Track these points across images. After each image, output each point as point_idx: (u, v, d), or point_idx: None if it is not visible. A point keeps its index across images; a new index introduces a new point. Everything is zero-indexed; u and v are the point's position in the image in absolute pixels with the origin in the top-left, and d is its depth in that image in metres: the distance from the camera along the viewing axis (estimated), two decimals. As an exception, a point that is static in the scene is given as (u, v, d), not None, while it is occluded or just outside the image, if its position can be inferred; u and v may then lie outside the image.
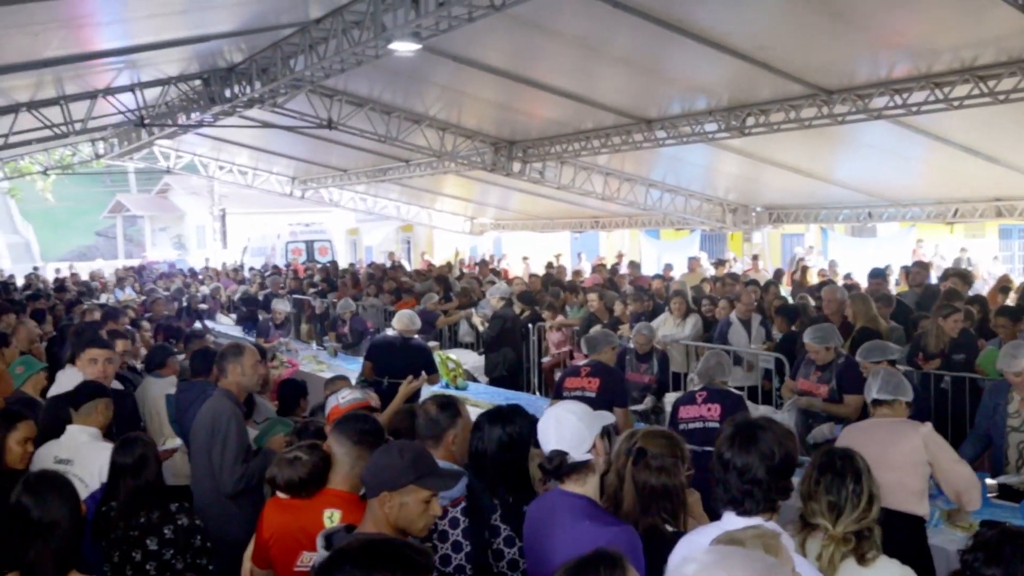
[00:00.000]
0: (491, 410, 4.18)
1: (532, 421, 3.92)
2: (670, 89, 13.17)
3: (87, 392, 5.46)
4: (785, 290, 15.50)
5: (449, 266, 23.17)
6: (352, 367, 11.69)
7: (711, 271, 18.84)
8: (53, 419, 5.97)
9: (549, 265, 21.81)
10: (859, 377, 6.52)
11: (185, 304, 18.70)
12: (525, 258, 26.73)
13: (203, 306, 18.12)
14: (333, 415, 4.68)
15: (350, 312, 14.03)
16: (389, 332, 10.15)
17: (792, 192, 18.24)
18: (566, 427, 3.47)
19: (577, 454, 3.45)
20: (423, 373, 7.54)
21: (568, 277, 19.57)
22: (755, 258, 20.37)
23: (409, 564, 2.29)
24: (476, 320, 13.65)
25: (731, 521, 3.19)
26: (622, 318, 12.01)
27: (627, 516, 3.69)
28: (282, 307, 13.35)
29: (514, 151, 17.50)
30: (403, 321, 9.33)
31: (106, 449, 5.06)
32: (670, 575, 2.59)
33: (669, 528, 3.70)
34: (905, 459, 4.95)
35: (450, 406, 4.29)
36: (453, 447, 4.18)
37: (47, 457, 5.17)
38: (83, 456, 4.98)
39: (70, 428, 5.27)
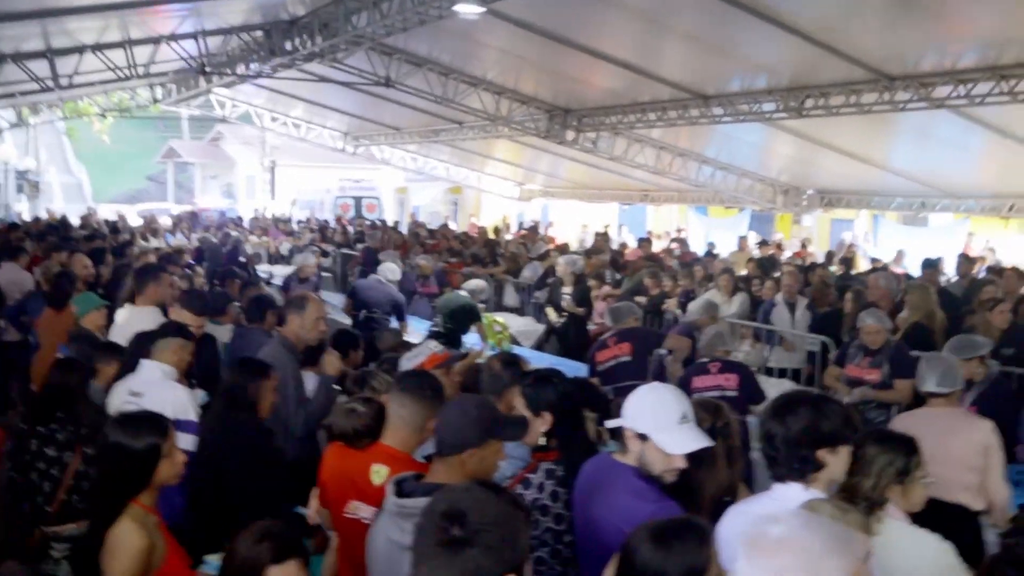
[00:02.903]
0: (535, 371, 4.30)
1: (579, 383, 4.02)
2: (731, 66, 13.10)
3: (166, 331, 5.67)
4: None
5: (496, 230, 23.23)
6: (411, 323, 11.92)
7: (758, 251, 18.77)
8: (134, 356, 6.19)
9: (604, 236, 21.80)
10: (910, 362, 6.53)
11: (232, 251, 18.92)
12: (584, 226, 26.70)
13: (255, 252, 18.35)
14: (433, 361, 4.89)
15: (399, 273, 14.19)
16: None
17: (846, 177, 18.08)
18: (635, 396, 3.55)
19: (625, 422, 3.52)
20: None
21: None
22: (804, 244, 20.22)
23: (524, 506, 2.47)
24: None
25: (777, 490, 3.26)
26: (671, 293, 12.06)
27: (718, 490, 3.76)
28: (309, 260, 13.47)
29: (568, 119, 17.49)
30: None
31: (175, 388, 5.26)
32: (721, 544, 2.64)
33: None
34: (962, 452, 4.95)
35: (513, 364, 4.40)
36: (514, 403, 4.30)
37: (123, 389, 5.39)
38: (152, 391, 5.16)
39: (144, 363, 5.46)
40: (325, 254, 19.68)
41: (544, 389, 4.05)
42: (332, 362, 5.58)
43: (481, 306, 11.37)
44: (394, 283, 11.45)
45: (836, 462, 3.25)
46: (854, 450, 3.38)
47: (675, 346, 7.44)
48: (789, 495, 3.16)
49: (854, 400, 7.38)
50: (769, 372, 10.50)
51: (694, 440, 3.41)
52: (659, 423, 3.42)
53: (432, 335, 9.92)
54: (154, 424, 3.64)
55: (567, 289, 12.07)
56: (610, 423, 3.63)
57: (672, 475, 3.41)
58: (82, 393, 5.49)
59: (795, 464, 3.20)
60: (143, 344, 5.64)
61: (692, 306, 11.44)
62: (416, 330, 11.26)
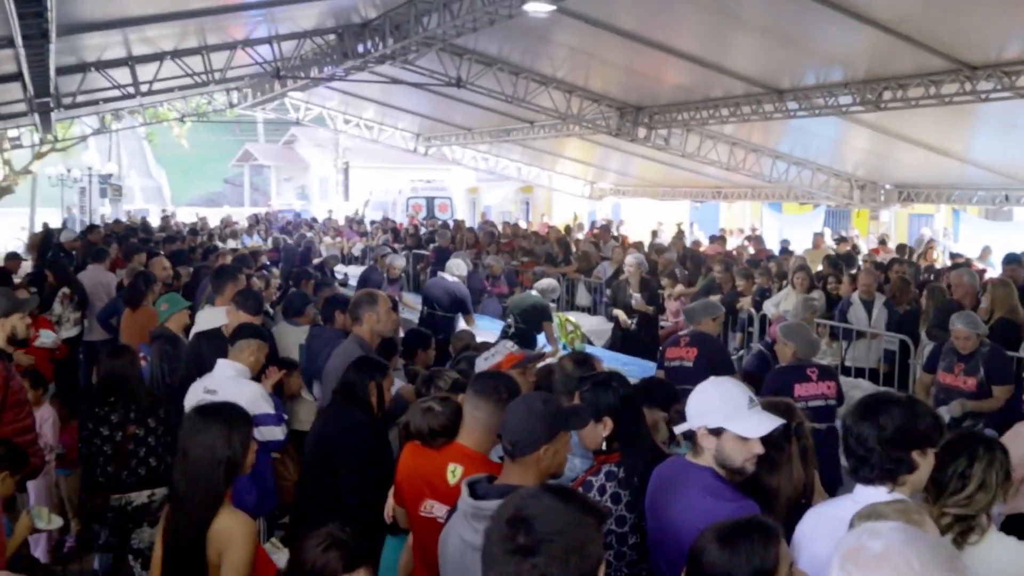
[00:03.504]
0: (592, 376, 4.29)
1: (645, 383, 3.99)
2: (805, 59, 12.90)
3: (243, 332, 5.79)
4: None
5: (568, 229, 23.20)
6: (481, 321, 12.00)
7: (835, 247, 18.44)
8: (196, 354, 6.33)
9: (680, 234, 21.64)
10: (1008, 366, 6.34)
11: (304, 252, 19.16)
12: (659, 224, 26.57)
13: (331, 253, 18.58)
14: (510, 361, 4.92)
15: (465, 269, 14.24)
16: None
17: (924, 170, 17.67)
18: (697, 394, 3.52)
19: (689, 424, 3.49)
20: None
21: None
22: (882, 241, 19.83)
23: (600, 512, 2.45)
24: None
25: (860, 493, 3.22)
26: (745, 291, 11.92)
27: (794, 493, 3.71)
28: (399, 263, 13.63)
29: (640, 117, 17.38)
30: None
31: (248, 384, 5.39)
32: (799, 546, 2.61)
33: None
34: None
35: (586, 363, 4.39)
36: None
37: (199, 388, 5.52)
38: (226, 389, 5.27)
39: (220, 362, 5.59)
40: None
41: (603, 393, 4.03)
42: (407, 389, 5.63)
43: (553, 305, 11.37)
44: (460, 279, 11.48)
45: (925, 465, 3.21)
46: (940, 453, 3.33)
47: (782, 350, 7.16)
48: (872, 497, 3.11)
49: (955, 413, 6.91)
50: (845, 372, 10.32)
51: (769, 421, 3.40)
52: (731, 412, 3.39)
53: (505, 335, 9.94)
54: (242, 417, 3.85)
55: (635, 290, 11.87)
56: (679, 428, 3.59)
57: (752, 464, 3.38)
58: (132, 376, 6.02)
59: (888, 465, 3.16)
60: (206, 342, 5.79)
61: (768, 304, 11.30)
62: (486, 329, 11.29)
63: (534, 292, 10.68)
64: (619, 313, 11.73)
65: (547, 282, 11.00)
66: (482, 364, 5.16)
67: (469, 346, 7.27)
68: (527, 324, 10.19)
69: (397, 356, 7.00)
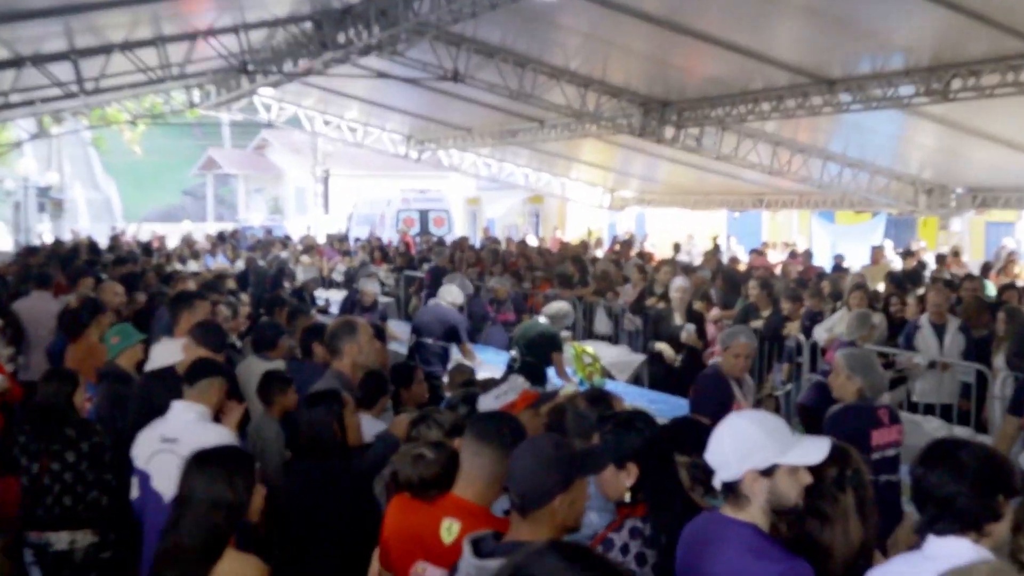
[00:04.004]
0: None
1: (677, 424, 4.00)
2: (859, 44, 12.91)
3: (203, 368, 5.78)
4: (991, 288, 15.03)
5: (585, 245, 23.22)
6: (484, 354, 12.00)
7: (898, 262, 18.42)
8: (146, 396, 6.31)
9: (715, 249, 21.64)
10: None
11: (277, 275, 19.14)
12: (689, 237, 26.58)
13: (309, 276, 18.61)
14: (526, 400, 4.93)
15: (464, 294, 14.21)
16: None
17: (1002, 171, 17.65)
18: (730, 436, 3.49)
19: (731, 471, 3.46)
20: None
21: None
22: (955, 252, 19.78)
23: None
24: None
25: (935, 548, 3.21)
26: (792, 315, 11.89)
27: (849, 551, 3.69)
28: (371, 288, 13.63)
29: (667, 113, 17.42)
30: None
31: (216, 431, 5.37)
32: None
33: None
34: None
35: (603, 401, 4.38)
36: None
37: (152, 437, 5.49)
38: (189, 436, 5.25)
39: (177, 405, 5.57)
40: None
41: (627, 436, 4.02)
42: (400, 423, 5.61)
43: (566, 333, 11.33)
44: (455, 306, 11.51)
45: (1008, 515, 3.24)
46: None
47: (843, 385, 6.99)
48: (952, 552, 3.11)
49: None
50: (912, 408, 10.26)
51: (820, 442, 3.47)
52: (782, 444, 3.43)
53: (510, 369, 9.91)
54: (245, 459, 4.25)
55: (682, 318, 11.67)
56: (719, 478, 3.56)
57: (802, 497, 3.42)
58: (60, 404, 6.28)
59: (973, 512, 3.19)
60: (157, 383, 5.79)
61: (820, 330, 11.26)
62: (491, 363, 11.28)
63: (542, 319, 10.67)
64: (663, 347, 11.44)
65: (558, 307, 10.96)
66: (491, 403, 5.13)
67: (471, 382, 7.25)
68: (535, 356, 10.16)
69: (387, 396, 6.95)
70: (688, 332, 11.34)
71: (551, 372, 10.18)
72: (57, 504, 6.02)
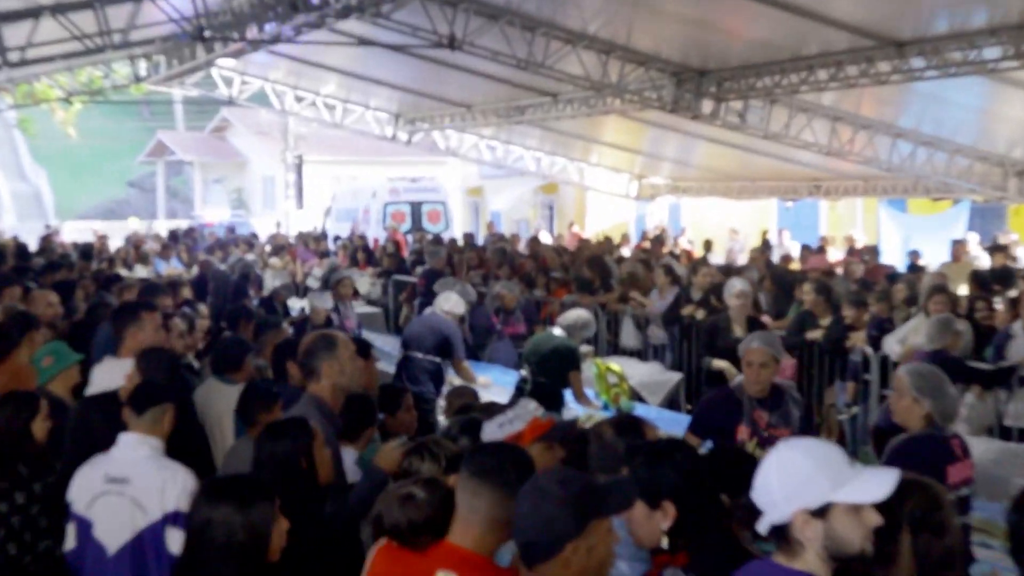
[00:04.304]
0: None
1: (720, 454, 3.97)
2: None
3: (152, 393, 5.78)
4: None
5: (608, 242, 23.20)
6: (489, 374, 12.01)
7: (984, 259, 18.37)
8: (83, 428, 6.31)
9: (764, 245, 21.61)
10: None
11: (242, 281, 19.14)
12: (733, 233, 26.55)
13: (280, 282, 18.62)
14: (536, 430, 4.91)
15: (467, 302, 14.17)
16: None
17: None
18: (776, 469, 3.47)
19: (779, 511, 3.44)
20: None
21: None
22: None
23: None
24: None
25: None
26: (856, 323, 11.87)
27: None
28: (322, 304, 13.61)
29: (705, 84, 17.40)
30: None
31: (171, 468, 5.37)
32: None
33: None
34: None
35: (634, 429, 4.36)
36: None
37: (94, 477, 5.47)
38: (142, 476, 5.27)
39: (125, 438, 5.56)
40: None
41: (662, 469, 4.01)
42: (388, 455, 5.61)
43: (587, 348, 11.31)
44: (454, 317, 11.57)
45: None
46: None
47: (908, 408, 6.91)
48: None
49: None
50: (1006, 434, 10.23)
51: (883, 474, 3.40)
52: (836, 478, 3.37)
53: (520, 392, 9.90)
54: (262, 493, 4.40)
55: (742, 330, 11.39)
56: (765, 523, 3.53)
57: (871, 543, 3.36)
58: (15, 436, 6.12)
59: None
60: (98, 411, 5.78)
61: (891, 340, 11.22)
62: (498, 384, 11.27)
63: (557, 331, 10.66)
64: (723, 365, 11.08)
65: (576, 316, 10.93)
66: (494, 433, 5.11)
67: (471, 407, 7.22)
68: (548, 376, 10.12)
69: (373, 426, 6.94)
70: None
71: (568, 395, 10.14)
72: (1, 552, 5.88)
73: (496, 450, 4.23)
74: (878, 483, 3.35)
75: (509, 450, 4.20)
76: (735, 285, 11.64)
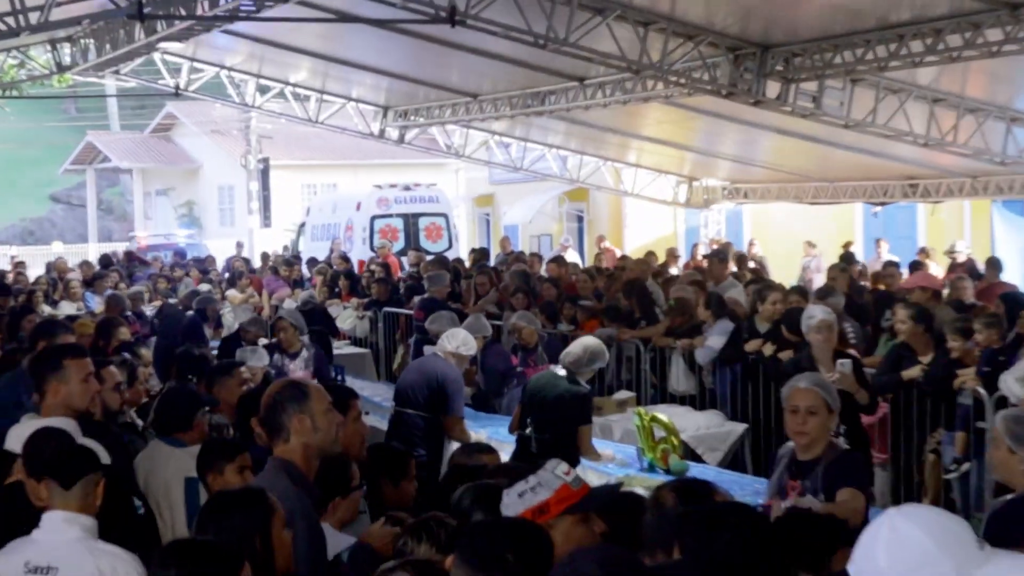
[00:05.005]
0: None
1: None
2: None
3: (79, 461, 5.79)
4: None
5: (652, 261, 23.14)
6: (486, 430, 12.01)
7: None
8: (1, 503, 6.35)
9: (847, 259, 21.55)
10: None
11: (196, 320, 19.14)
12: (809, 250, 26.56)
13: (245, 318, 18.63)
14: (564, 500, 4.88)
15: (482, 338, 14.17)
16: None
17: None
18: (885, 544, 3.47)
19: None
20: None
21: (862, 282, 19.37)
22: None
23: None
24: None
25: None
26: (965, 358, 11.84)
27: None
28: (257, 362, 13.52)
29: (769, 62, 17.42)
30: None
31: (108, 553, 5.38)
32: None
33: None
34: None
35: (701, 496, 4.36)
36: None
37: (14, 564, 5.47)
38: (75, 563, 5.28)
39: (51, 516, 5.58)
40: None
41: (713, 541, 4.03)
42: (378, 532, 5.63)
43: (626, 395, 11.29)
44: (462, 360, 11.56)
45: None
46: None
47: (1006, 461, 6.86)
48: None
49: None
50: None
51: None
52: (962, 564, 3.34)
53: (521, 448, 9.92)
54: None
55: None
56: None
57: None
58: None
59: None
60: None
61: (1009, 379, 11.18)
62: (509, 441, 11.25)
63: (560, 370, 10.62)
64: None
65: (581, 347, 10.78)
66: (514, 505, 5.07)
67: (479, 468, 7.18)
68: (554, 431, 10.12)
69: (355, 494, 6.92)
70: (843, 370, 10.54)
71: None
72: None
73: (494, 532, 4.24)
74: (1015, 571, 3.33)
75: (513, 530, 4.22)
76: (815, 315, 11.38)
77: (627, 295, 17.20)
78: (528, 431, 10.37)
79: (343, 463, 6.73)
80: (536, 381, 11.01)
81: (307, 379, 6.90)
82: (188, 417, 8.02)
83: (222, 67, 25.95)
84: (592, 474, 9.78)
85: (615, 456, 10.76)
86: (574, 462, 9.47)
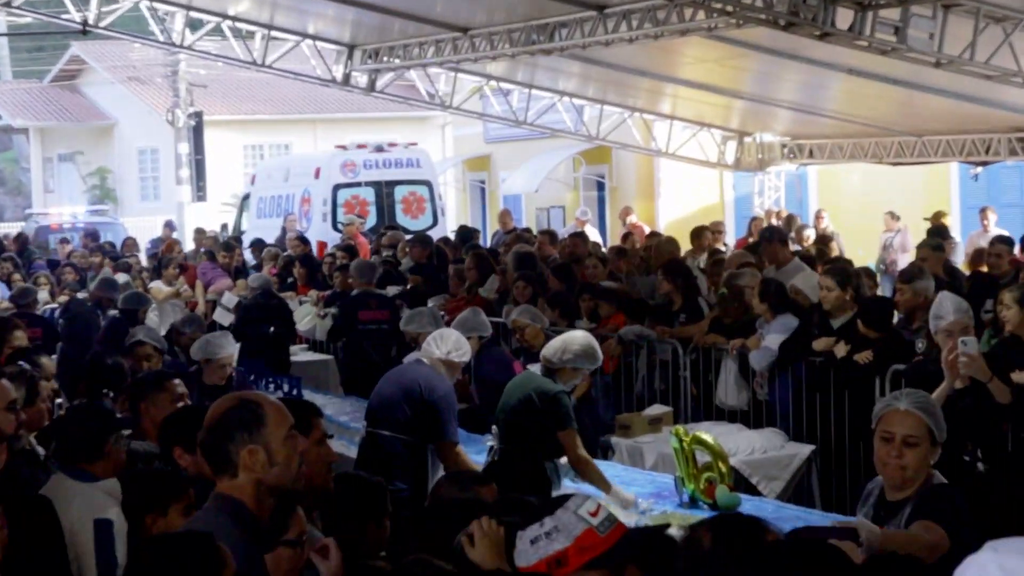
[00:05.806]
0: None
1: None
2: None
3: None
4: None
5: (702, 235, 23.08)
6: (481, 456, 12.03)
7: None
8: None
9: (939, 232, 21.61)
10: None
11: (117, 320, 19.18)
12: (891, 220, 26.66)
13: (178, 317, 18.68)
14: (583, 552, 4.87)
15: (476, 337, 14.17)
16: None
17: None
18: None
19: None
20: None
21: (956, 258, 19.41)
22: None
23: None
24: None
25: None
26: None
27: None
28: (223, 350, 13.52)
29: (838, -16, 17.49)
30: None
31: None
32: None
33: None
34: None
35: (748, 537, 4.41)
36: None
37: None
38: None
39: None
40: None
41: None
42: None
43: (662, 409, 11.34)
44: (451, 368, 11.54)
45: None
46: None
47: None
48: None
49: None
50: None
51: None
52: None
53: (495, 463, 9.97)
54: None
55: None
56: None
57: None
58: None
59: None
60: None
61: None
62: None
63: (536, 369, 10.68)
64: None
65: (562, 340, 10.88)
66: (526, 553, 5.09)
67: (473, 503, 7.21)
68: (523, 440, 10.18)
69: (331, 544, 6.94)
70: (967, 350, 10.22)
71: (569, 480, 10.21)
72: None
73: None
74: None
75: None
76: (946, 313, 11.19)
77: (666, 279, 16.95)
78: (490, 442, 10.48)
79: (283, 506, 6.73)
80: (511, 383, 11.15)
81: (262, 395, 6.75)
82: (98, 443, 8.02)
83: (141, -1, 25.96)
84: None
85: (636, 500, 10.54)
86: (546, 481, 9.51)
